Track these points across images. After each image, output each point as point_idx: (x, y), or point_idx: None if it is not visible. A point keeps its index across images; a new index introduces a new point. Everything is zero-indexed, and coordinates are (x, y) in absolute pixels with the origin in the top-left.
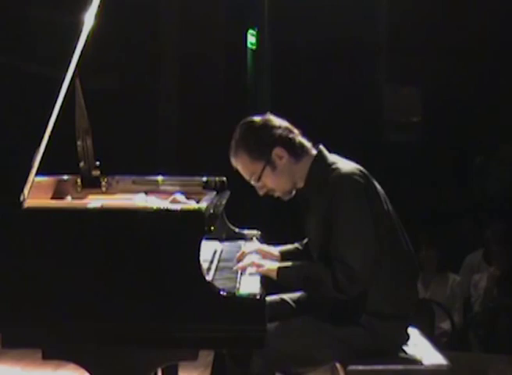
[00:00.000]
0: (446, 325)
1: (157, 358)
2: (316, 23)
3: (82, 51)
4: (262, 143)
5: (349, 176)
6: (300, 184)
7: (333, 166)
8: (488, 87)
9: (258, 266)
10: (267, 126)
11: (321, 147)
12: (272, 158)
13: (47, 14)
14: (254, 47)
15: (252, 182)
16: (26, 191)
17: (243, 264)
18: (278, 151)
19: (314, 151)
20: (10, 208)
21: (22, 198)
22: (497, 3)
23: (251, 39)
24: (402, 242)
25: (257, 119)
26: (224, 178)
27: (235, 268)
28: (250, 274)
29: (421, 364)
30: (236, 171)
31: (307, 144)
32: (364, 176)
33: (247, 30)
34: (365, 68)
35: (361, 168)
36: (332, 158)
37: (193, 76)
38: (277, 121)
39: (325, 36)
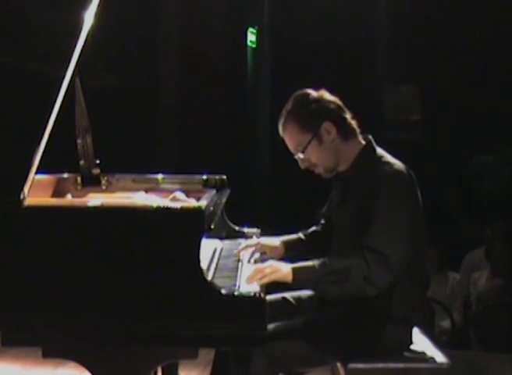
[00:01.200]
0: (446, 323)
1: (157, 356)
2: (316, 21)
3: (82, 50)
4: (313, 114)
5: (400, 173)
6: (343, 167)
7: (383, 160)
8: (489, 85)
9: (267, 274)
10: (321, 100)
11: (371, 137)
12: (320, 132)
13: (47, 13)
14: (254, 45)
15: (296, 154)
16: (26, 189)
17: (254, 277)
18: (327, 126)
19: (361, 138)
20: (10, 206)
21: (22, 197)
22: (497, 1)
23: (251, 37)
24: (424, 250)
25: (312, 91)
26: (224, 176)
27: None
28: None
29: (422, 362)
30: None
31: (357, 128)
32: (410, 176)
33: (247, 28)
34: (365, 66)
35: (408, 168)
36: (380, 151)
37: (193, 74)
38: (331, 97)
39: (325, 34)
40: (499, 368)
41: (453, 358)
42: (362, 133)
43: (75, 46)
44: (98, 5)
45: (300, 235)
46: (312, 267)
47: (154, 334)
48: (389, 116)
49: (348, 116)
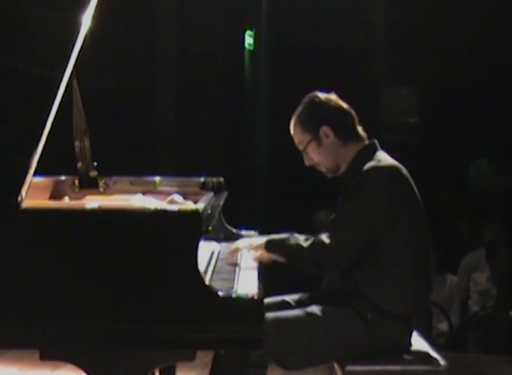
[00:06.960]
0: (443, 326)
1: (154, 358)
2: (314, 24)
3: (80, 52)
4: (313, 117)
5: (383, 170)
6: (343, 168)
7: (375, 159)
8: (487, 87)
9: (242, 247)
10: (324, 104)
11: (375, 141)
12: (319, 135)
13: (45, 14)
14: (251, 48)
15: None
16: (23, 191)
17: (231, 251)
18: (325, 130)
19: (365, 142)
20: (8, 209)
21: (20, 199)
22: (495, 3)
23: (249, 40)
24: (425, 248)
25: (321, 95)
26: (221, 179)
27: (227, 256)
28: (245, 266)
29: (419, 364)
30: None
31: (362, 132)
32: (399, 175)
33: (244, 31)
34: (363, 68)
35: (400, 166)
36: (381, 153)
37: (192, 76)
38: (338, 102)
39: (322, 37)
40: (496, 371)
41: (450, 360)
42: (370, 138)
43: (73, 48)
44: (96, 7)
45: (296, 236)
46: (282, 241)
47: (151, 337)
48: (387, 119)
49: (353, 121)
